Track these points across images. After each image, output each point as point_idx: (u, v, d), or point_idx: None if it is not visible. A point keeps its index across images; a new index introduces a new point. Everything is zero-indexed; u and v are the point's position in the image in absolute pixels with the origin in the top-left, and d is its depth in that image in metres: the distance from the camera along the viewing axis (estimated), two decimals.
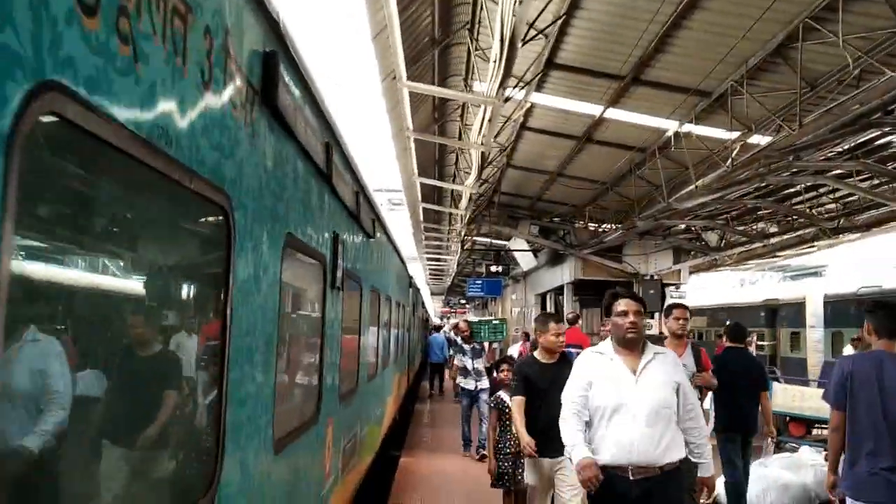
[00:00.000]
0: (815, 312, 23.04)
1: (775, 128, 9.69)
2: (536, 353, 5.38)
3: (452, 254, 27.63)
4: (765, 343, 25.62)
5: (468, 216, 18.49)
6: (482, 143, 11.55)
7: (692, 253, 20.60)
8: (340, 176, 4.47)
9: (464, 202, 16.52)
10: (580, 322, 13.74)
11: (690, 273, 22.17)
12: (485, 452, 7.64)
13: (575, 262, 20.78)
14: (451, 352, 13.02)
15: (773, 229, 19.13)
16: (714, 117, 10.64)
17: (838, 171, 11.80)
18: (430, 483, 8.66)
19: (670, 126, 11.39)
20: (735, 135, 10.32)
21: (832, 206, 16.88)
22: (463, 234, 21.97)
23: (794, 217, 18.21)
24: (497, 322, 22.40)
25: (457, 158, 16.87)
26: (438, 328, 30.23)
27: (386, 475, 9.20)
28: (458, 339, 11.87)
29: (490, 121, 10.17)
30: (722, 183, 10.92)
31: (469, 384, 10.73)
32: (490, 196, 19.99)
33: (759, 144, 10.54)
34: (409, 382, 17.48)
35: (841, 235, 18.06)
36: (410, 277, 17.09)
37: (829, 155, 10.67)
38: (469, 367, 10.77)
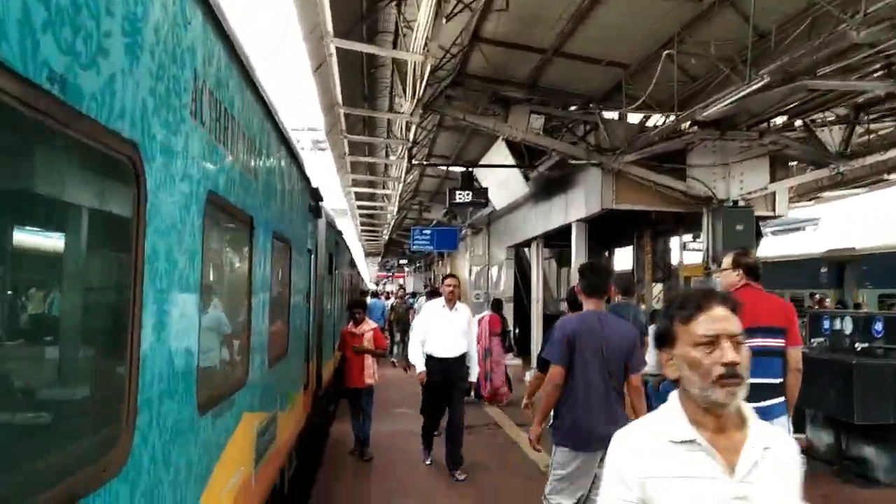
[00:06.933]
0: None
1: None
2: None
3: (394, 181, 18.59)
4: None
5: (421, 96, 9.73)
6: None
7: (794, 165, 12.39)
8: None
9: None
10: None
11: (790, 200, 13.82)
12: None
13: (604, 179, 12.20)
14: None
15: None
16: None
17: None
18: None
19: None
20: None
21: None
22: (412, 139, 13.15)
23: None
24: None
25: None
26: (375, 294, 28.41)
27: None
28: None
29: None
30: None
31: None
32: (460, 64, 11.09)
33: None
34: (315, 392, 8.88)
35: None
36: (315, 189, 8.44)
37: None
38: None
